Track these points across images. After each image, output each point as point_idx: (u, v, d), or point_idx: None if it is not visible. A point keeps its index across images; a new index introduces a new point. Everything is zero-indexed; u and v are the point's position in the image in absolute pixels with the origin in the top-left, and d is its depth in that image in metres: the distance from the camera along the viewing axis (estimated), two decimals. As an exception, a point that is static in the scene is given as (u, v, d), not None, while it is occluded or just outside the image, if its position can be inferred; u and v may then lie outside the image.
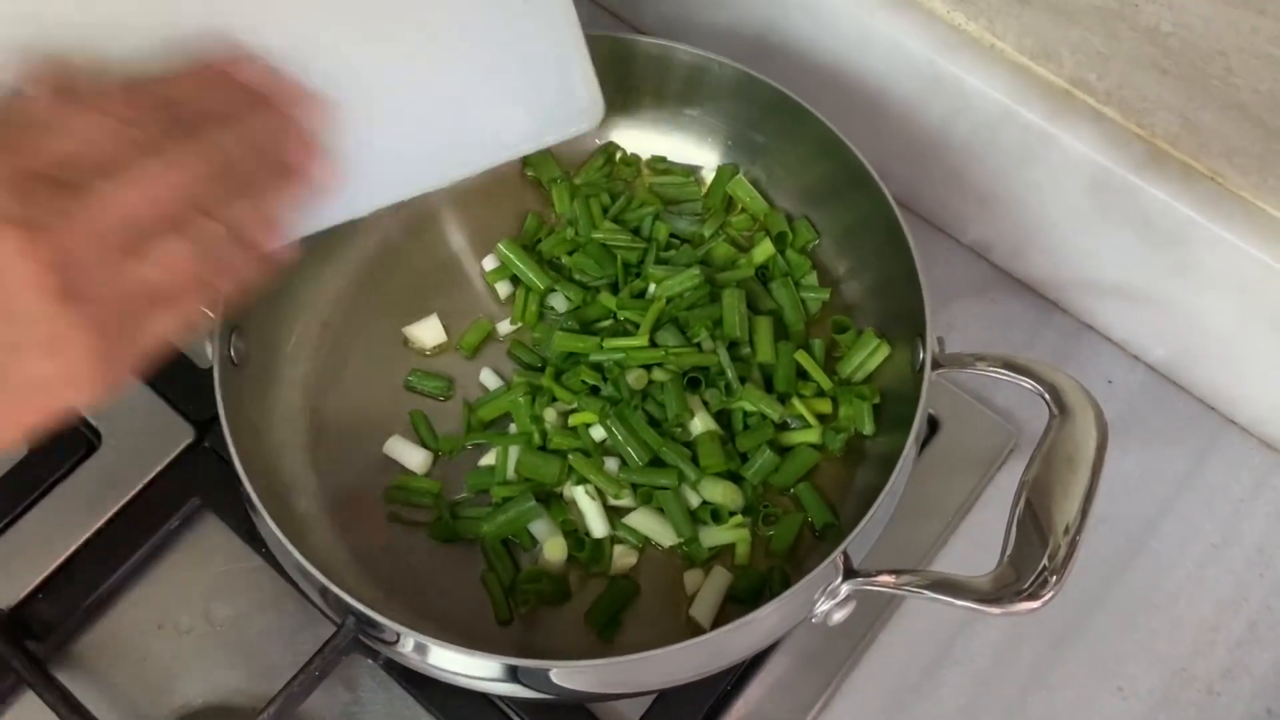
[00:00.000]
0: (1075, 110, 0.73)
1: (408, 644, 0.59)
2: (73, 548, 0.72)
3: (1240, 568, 0.75)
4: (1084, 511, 0.59)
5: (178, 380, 0.76)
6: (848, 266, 0.77)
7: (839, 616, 0.61)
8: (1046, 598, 0.56)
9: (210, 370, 0.64)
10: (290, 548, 0.59)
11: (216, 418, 0.63)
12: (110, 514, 0.73)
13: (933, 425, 0.77)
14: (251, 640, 0.70)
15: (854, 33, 0.77)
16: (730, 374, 0.71)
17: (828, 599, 0.61)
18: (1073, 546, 0.57)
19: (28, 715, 0.67)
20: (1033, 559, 0.57)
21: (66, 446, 0.75)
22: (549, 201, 0.81)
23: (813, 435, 0.71)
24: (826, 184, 0.76)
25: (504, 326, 0.77)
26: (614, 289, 0.76)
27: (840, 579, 0.61)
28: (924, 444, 0.76)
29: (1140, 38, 0.66)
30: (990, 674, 0.71)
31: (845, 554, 0.60)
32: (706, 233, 0.78)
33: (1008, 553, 0.58)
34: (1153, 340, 0.80)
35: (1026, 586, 0.57)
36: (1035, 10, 0.70)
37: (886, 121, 0.80)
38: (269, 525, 0.60)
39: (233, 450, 0.61)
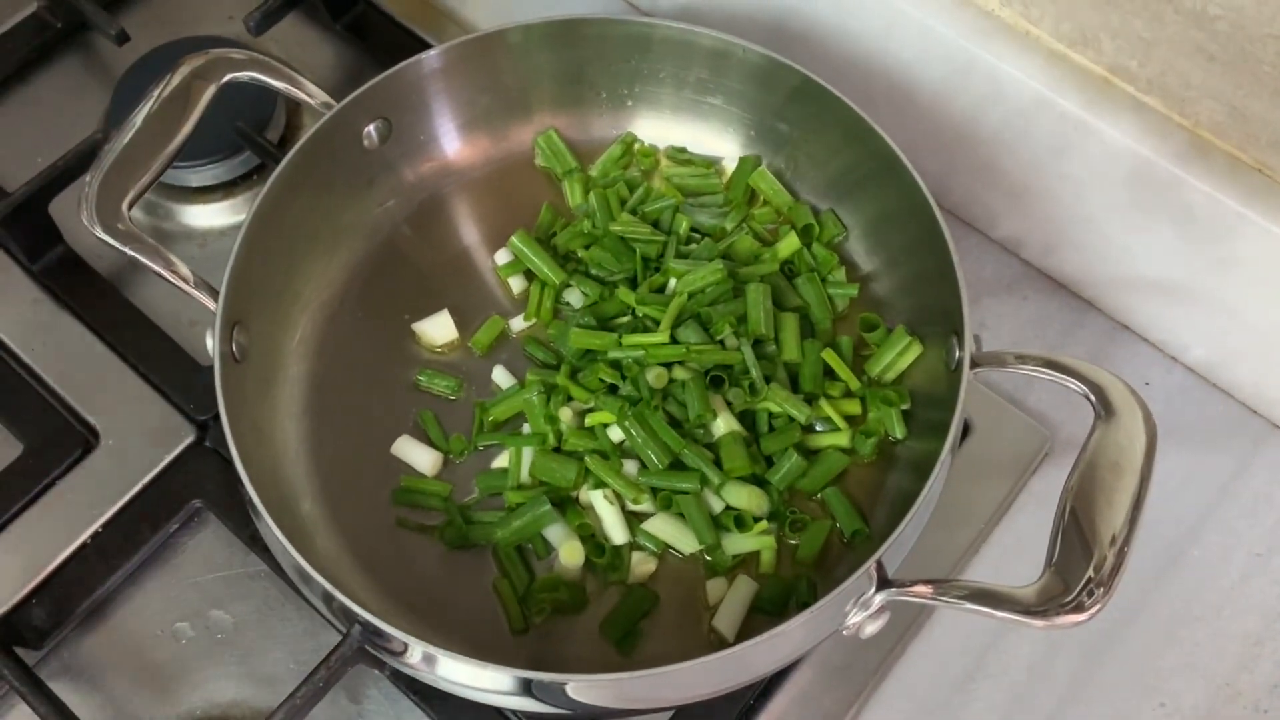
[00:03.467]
0: (1114, 99, 0.71)
1: (416, 654, 0.58)
2: (68, 551, 0.70)
3: (1286, 578, 0.73)
4: (1132, 520, 0.57)
5: (178, 377, 0.76)
6: (877, 261, 0.76)
7: (872, 629, 0.60)
8: (1094, 610, 0.54)
9: (211, 367, 0.63)
10: (294, 552, 0.58)
11: (218, 416, 0.62)
12: (107, 516, 0.71)
13: (964, 428, 0.75)
14: (253, 649, 0.69)
15: (880, 18, 0.76)
16: (755, 373, 0.69)
17: (860, 610, 0.59)
18: (1120, 557, 0.56)
19: (19, 727, 0.66)
20: (1078, 570, 0.55)
21: (63, 445, 0.74)
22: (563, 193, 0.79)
23: (841, 439, 0.70)
24: (854, 174, 0.74)
25: (517, 323, 0.76)
26: (632, 284, 0.74)
27: (874, 589, 0.59)
28: (955, 447, 0.74)
29: (1186, 22, 0.65)
30: (1025, 688, 0.70)
31: (879, 563, 0.59)
32: (729, 226, 0.77)
33: (1052, 562, 0.56)
34: (1192, 339, 0.78)
35: (1072, 598, 0.55)
36: (1074, -7, 0.69)
37: (913, 111, 0.79)
38: (272, 529, 0.59)
39: (234, 450, 0.60)
